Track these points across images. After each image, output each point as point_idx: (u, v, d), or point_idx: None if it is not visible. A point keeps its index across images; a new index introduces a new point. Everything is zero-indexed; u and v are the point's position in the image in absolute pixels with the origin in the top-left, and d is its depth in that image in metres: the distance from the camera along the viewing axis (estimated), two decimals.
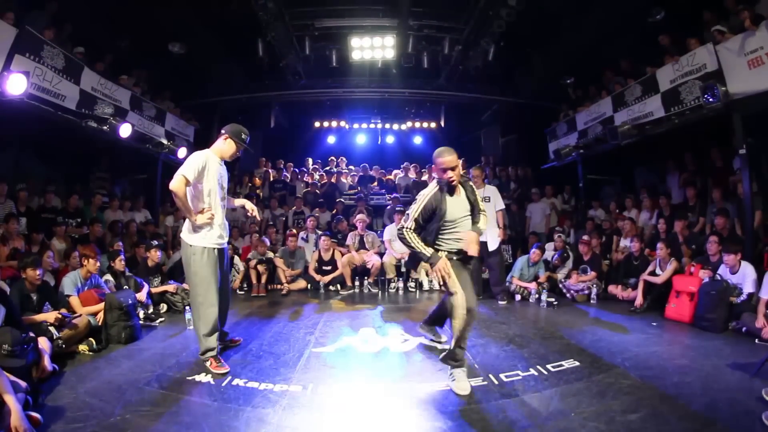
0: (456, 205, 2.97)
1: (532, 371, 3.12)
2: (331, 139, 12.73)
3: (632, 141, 6.46)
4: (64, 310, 3.68)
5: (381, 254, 6.81)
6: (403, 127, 12.25)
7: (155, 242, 5.75)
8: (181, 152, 7.42)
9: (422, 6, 7.05)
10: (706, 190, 6.11)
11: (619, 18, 6.60)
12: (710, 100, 4.90)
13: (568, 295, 5.84)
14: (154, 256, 5.34)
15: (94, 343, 3.58)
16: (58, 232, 5.58)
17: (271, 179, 9.99)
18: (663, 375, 3.01)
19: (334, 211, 8.43)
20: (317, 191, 9.64)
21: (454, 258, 2.95)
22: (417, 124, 12.19)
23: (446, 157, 2.87)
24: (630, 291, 5.46)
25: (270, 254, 6.54)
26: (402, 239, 2.96)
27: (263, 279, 6.31)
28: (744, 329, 3.95)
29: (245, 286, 6.43)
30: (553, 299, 5.39)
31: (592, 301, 5.59)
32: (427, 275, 6.63)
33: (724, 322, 4.14)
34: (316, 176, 10.70)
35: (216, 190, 3.23)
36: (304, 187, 9.79)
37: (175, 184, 2.99)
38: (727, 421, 2.34)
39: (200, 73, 8.65)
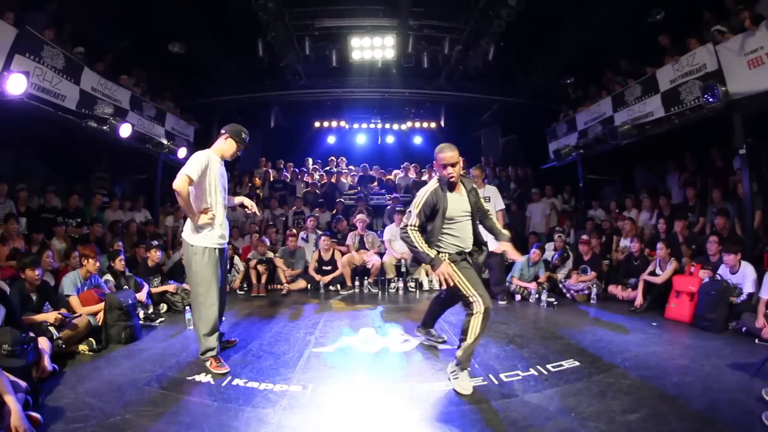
0: (456, 203, 2.94)
1: (532, 371, 3.12)
2: (331, 139, 12.73)
3: (632, 141, 6.46)
4: (64, 310, 3.68)
5: (381, 254, 6.81)
6: (403, 127, 12.25)
7: (155, 242, 5.74)
8: (181, 152, 7.43)
9: (422, 6, 7.05)
10: (706, 190, 6.11)
11: (619, 18, 6.60)
12: (710, 100, 4.90)
13: (568, 295, 5.84)
14: (154, 256, 5.34)
15: (94, 343, 3.58)
16: (58, 232, 5.58)
17: (271, 179, 9.99)
18: (663, 375, 3.01)
19: (334, 211, 8.43)
20: (317, 191, 9.64)
21: (459, 259, 2.93)
22: (417, 124, 12.18)
23: (447, 153, 2.85)
24: (630, 291, 5.46)
25: (270, 254, 6.54)
26: (405, 239, 2.92)
27: (263, 279, 6.31)
28: (744, 329, 3.95)
29: (245, 286, 6.42)
30: (553, 299, 5.39)
31: (592, 301, 5.59)
32: (427, 275, 6.63)
33: (724, 322, 4.14)
34: (316, 176, 10.70)
35: (218, 190, 3.24)
36: (304, 187, 9.79)
37: (179, 183, 2.99)
38: (727, 421, 2.35)
39: (200, 73, 8.65)
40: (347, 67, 8.47)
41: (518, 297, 5.82)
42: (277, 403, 2.65)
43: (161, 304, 4.95)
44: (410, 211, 2.95)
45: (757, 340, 3.74)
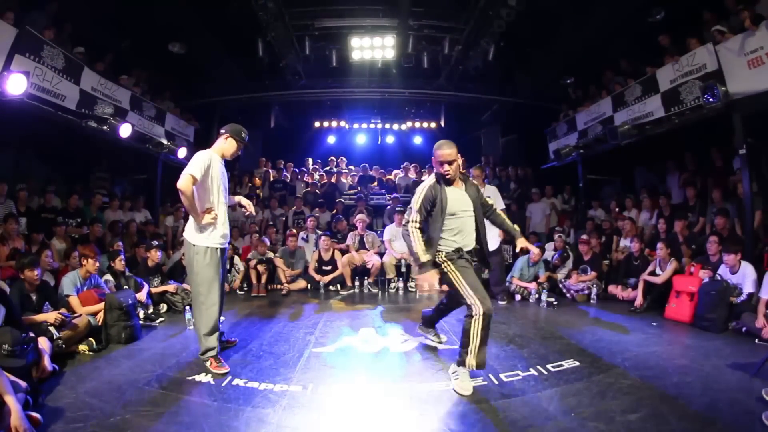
0: (456, 198, 2.91)
1: (532, 371, 3.12)
2: (331, 139, 12.73)
3: (632, 141, 6.46)
4: (64, 310, 3.68)
5: (381, 254, 6.81)
6: (403, 127, 12.25)
7: (155, 242, 5.74)
8: (181, 152, 7.43)
9: (422, 6, 7.05)
10: (706, 190, 6.11)
11: (619, 18, 6.60)
12: (710, 100, 4.90)
13: (568, 295, 5.84)
14: (154, 256, 5.34)
15: (94, 343, 3.58)
16: (58, 232, 5.58)
17: (271, 179, 9.99)
18: (663, 375, 3.01)
19: (334, 211, 8.43)
20: (317, 191, 9.64)
21: (456, 257, 2.89)
22: (417, 124, 12.18)
23: (445, 150, 2.83)
24: (630, 291, 5.46)
25: (270, 254, 6.54)
26: (406, 236, 2.92)
27: (263, 279, 6.31)
28: (744, 329, 3.95)
29: (245, 286, 6.42)
30: (553, 299, 5.39)
31: (592, 301, 5.59)
32: None
33: (724, 322, 4.14)
34: (316, 176, 10.70)
35: (220, 189, 3.26)
36: (304, 187, 9.79)
37: (183, 183, 3.00)
38: (727, 421, 2.35)
39: (200, 73, 8.66)
40: (347, 67, 8.47)
41: (518, 297, 5.82)
42: (277, 403, 2.65)
43: (161, 304, 4.95)
44: (411, 208, 2.95)
45: (757, 340, 3.74)
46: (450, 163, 2.83)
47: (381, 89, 9.56)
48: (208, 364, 3.13)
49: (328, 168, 11.10)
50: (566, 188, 8.75)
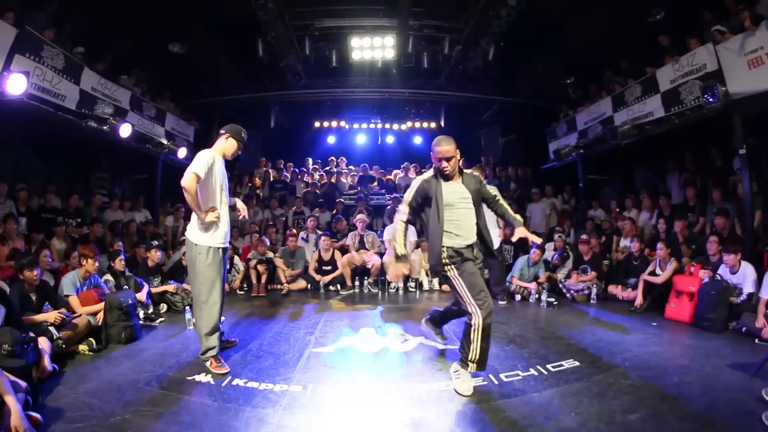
0: (452, 191, 2.87)
1: (532, 371, 3.12)
2: (331, 139, 12.73)
3: (632, 141, 6.47)
4: (64, 310, 3.68)
5: (381, 254, 6.81)
6: (403, 127, 12.25)
7: (155, 242, 5.74)
8: (181, 152, 7.43)
9: (422, 6, 7.05)
10: (706, 190, 6.11)
11: (619, 18, 6.59)
12: (710, 100, 4.90)
13: (568, 295, 5.84)
14: (154, 256, 5.34)
15: (94, 343, 3.58)
16: (58, 232, 5.58)
17: (271, 179, 9.99)
18: (663, 375, 3.01)
19: (334, 211, 8.43)
20: (317, 191, 9.64)
21: (459, 261, 2.81)
22: (417, 124, 12.18)
23: (443, 146, 2.80)
24: (630, 291, 5.46)
25: (270, 254, 6.54)
26: (395, 212, 2.98)
27: (263, 279, 6.31)
28: (744, 329, 3.95)
29: (245, 286, 6.42)
30: (553, 299, 5.40)
31: (592, 301, 5.59)
32: (427, 275, 6.64)
33: (724, 322, 4.14)
34: (316, 176, 10.70)
35: (222, 189, 3.29)
36: (304, 187, 9.79)
37: (187, 180, 3.01)
38: (727, 421, 2.35)
39: (200, 73, 8.65)
40: (347, 67, 8.47)
41: (518, 297, 5.82)
42: (277, 403, 2.65)
43: (161, 304, 4.95)
44: (403, 198, 2.99)
45: (757, 340, 3.74)
46: (448, 159, 2.80)
47: (381, 89, 9.55)
48: (208, 364, 3.13)
49: (328, 168, 11.09)
50: (566, 188, 8.75)
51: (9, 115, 4.90)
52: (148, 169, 7.83)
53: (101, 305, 3.86)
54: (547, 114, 9.16)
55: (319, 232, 7.11)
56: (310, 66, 8.41)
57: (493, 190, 3.00)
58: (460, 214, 2.88)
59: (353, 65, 8.40)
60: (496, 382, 2.94)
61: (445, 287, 6.26)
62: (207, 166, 3.11)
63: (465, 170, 3.00)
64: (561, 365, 3.22)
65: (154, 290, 4.96)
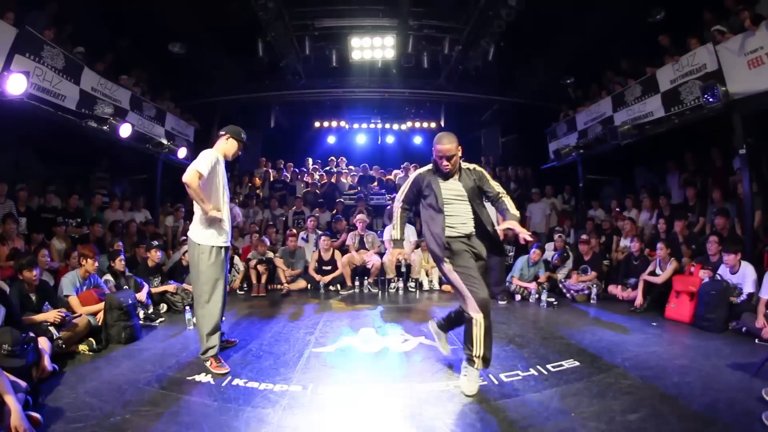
0: (447, 188, 2.85)
1: (532, 371, 3.12)
2: (331, 139, 12.73)
3: (632, 141, 6.46)
4: (63, 310, 3.67)
5: (381, 254, 6.81)
6: (403, 127, 12.25)
7: (155, 242, 5.75)
8: (181, 152, 7.43)
9: (422, 6, 7.06)
10: (706, 190, 6.12)
11: (619, 18, 6.59)
12: (710, 100, 4.90)
13: (568, 295, 5.84)
14: (154, 256, 5.34)
15: (94, 343, 3.58)
16: (58, 232, 5.58)
17: (271, 179, 9.99)
18: (663, 375, 3.01)
19: (334, 211, 8.43)
20: (317, 191, 9.63)
21: (455, 257, 2.81)
22: (417, 124, 12.18)
23: (444, 145, 2.75)
24: (630, 291, 5.46)
25: (270, 254, 6.53)
26: (392, 214, 2.97)
27: (263, 279, 6.31)
28: (744, 329, 3.95)
29: (245, 286, 6.42)
30: (553, 299, 5.39)
31: (592, 301, 5.59)
32: (427, 275, 6.64)
33: (724, 322, 4.14)
34: (316, 176, 10.69)
35: (224, 189, 3.31)
36: (304, 187, 9.78)
37: (189, 177, 3.03)
38: (727, 421, 2.35)
39: (200, 73, 8.65)
40: (347, 67, 8.47)
41: (518, 297, 5.82)
42: (277, 403, 2.65)
43: (161, 304, 4.95)
44: (400, 191, 3.03)
45: (757, 340, 3.74)
46: (449, 158, 2.77)
47: (381, 89, 9.56)
48: (208, 364, 3.13)
49: (328, 168, 11.09)
50: (566, 188, 8.75)
51: (9, 115, 4.90)
52: (148, 169, 7.84)
53: (101, 305, 3.86)
54: (547, 114, 9.16)
55: (319, 232, 7.11)
56: (310, 66, 8.41)
57: (497, 186, 2.92)
58: (454, 209, 2.86)
59: (353, 65, 8.41)
60: (496, 382, 2.94)
61: (445, 287, 6.26)
62: (211, 164, 3.13)
63: (464, 165, 2.93)
64: (561, 365, 3.22)
65: (154, 290, 4.96)
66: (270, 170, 10.27)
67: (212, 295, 3.19)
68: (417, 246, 6.69)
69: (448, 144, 2.76)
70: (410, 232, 6.73)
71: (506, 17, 6.29)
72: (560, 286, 5.96)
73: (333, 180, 10.18)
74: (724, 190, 5.72)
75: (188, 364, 3.28)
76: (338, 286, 6.53)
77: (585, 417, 2.41)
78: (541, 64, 8.31)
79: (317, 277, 6.54)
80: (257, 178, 10.03)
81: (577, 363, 3.26)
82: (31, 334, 2.97)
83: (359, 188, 9.71)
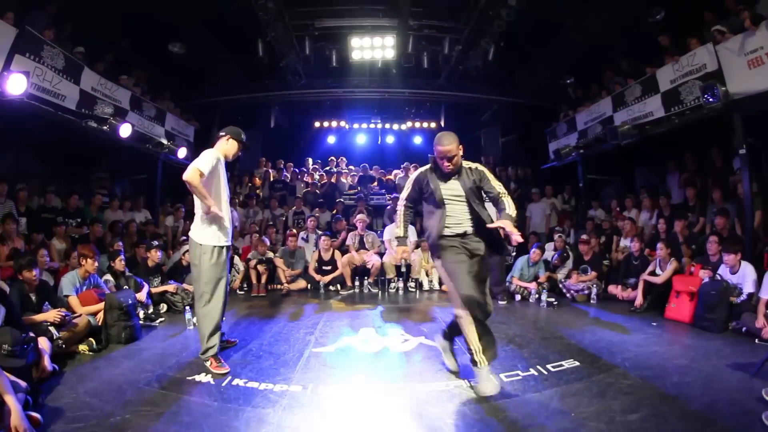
0: (446, 187, 2.86)
1: (532, 371, 3.12)
2: (331, 139, 12.73)
3: (632, 141, 6.46)
4: (63, 310, 3.67)
5: (381, 254, 6.81)
6: (403, 127, 12.25)
7: (155, 242, 5.75)
8: (181, 152, 7.43)
9: (422, 6, 7.05)
10: (706, 190, 6.11)
11: (619, 18, 6.60)
12: (710, 100, 4.90)
13: (568, 295, 5.84)
14: (154, 256, 5.34)
15: (94, 343, 3.58)
16: (58, 232, 5.58)
17: (271, 179, 9.99)
18: (663, 375, 3.01)
19: (334, 211, 8.43)
20: (317, 191, 9.63)
21: (445, 252, 2.82)
22: (417, 124, 12.18)
23: (444, 146, 2.73)
24: (630, 291, 5.46)
25: (270, 254, 6.54)
26: (395, 213, 3.02)
27: (263, 279, 6.31)
28: (744, 329, 3.95)
29: (245, 286, 6.43)
30: (553, 299, 5.40)
31: (592, 301, 5.59)
32: (427, 275, 6.64)
33: (724, 322, 4.14)
34: (316, 176, 10.69)
35: (225, 189, 3.32)
36: (304, 187, 9.78)
37: (190, 174, 3.03)
38: (727, 421, 2.34)
39: (200, 73, 8.66)
40: (347, 67, 8.47)
41: (518, 297, 5.82)
42: (277, 403, 2.65)
43: (161, 304, 4.95)
44: (403, 190, 3.07)
45: (757, 340, 3.74)
46: (450, 159, 2.75)
47: (381, 89, 9.56)
48: (208, 364, 3.13)
49: (328, 168, 11.09)
50: (566, 188, 8.74)
51: (9, 115, 4.90)
52: (148, 169, 7.83)
53: (101, 305, 3.86)
54: (547, 114, 9.15)
55: (319, 232, 7.11)
56: (310, 66, 8.41)
57: (498, 186, 2.86)
58: (451, 209, 2.86)
59: (353, 65, 8.41)
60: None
61: (445, 287, 6.26)
62: (212, 164, 3.15)
63: (465, 164, 2.90)
64: (561, 365, 3.22)
65: (154, 290, 4.96)
66: (270, 170, 10.27)
67: (214, 295, 3.20)
68: (417, 246, 6.69)
69: (448, 144, 2.74)
70: (410, 232, 6.74)
71: (506, 17, 6.29)
72: (560, 286, 5.96)
73: (333, 180, 10.18)
74: (724, 190, 5.72)
75: (188, 364, 3.28)
76: (338, 286, 6.53)
77: (585, 417, 2.41)
78: (541, 64, 8.31)
79: (317, 277, 6.54)
80: (257, 178, 10.02)
81: (577, 363, 3.26)
82: (31, 334, 2.97)
83: (359, 188, 9.71)
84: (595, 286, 5.68)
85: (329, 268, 6.61)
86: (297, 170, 10.64)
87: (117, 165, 8.00)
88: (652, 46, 6.29)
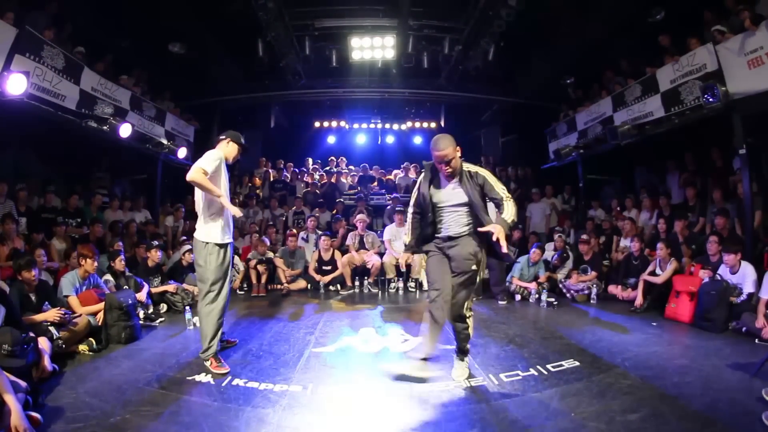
0: (445, 192, 2.83)
1: (532, 371, 3.12)
2: (331, 139, 12.73)
3: (632, 141, 6.46)
4: (63, 309, 3.67)
5: (381, 254, 6.81)
6: (403, 127, 12.24)
7: (155, 242, 5.75)
8: (181, 152, 7.43)
9: (422, 6, 7.05)
10: (706, 190, 6.11)
11: (619, 18, 6.60)
12: (710, 100, 4.90)
13: (568, 295, 5.84)
14: (154, 256, 5.34)
15: (94, 343, 3.59)
16: (58, 232, 5.58)
17: (271, 179, 9.99)
18: (663, 375, 3.01)
19: (334, 211, 8.43)
20: (317, 191, 9.64)
21: (435, 247, 2.90)
22: (417, 124, 12.18)
23: (441, 150, 2.68)
24: (630, 291, 5.46)
25: (270, 254, 6.54)
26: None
27: (263, 279, 6.31)
28: (744, 329, 3.95)
29: (245, 286, 6.43)
30: (553, 299, 5.40)
31: (592, 301, 5.59)
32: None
33: (724, 322, 4.14)
34: (316, 176, 10.70)
35: (227, 190, 3.35)
36: (304, 187, 9.79)
37: (194, 174, 3.05)
38: (727, 421, 2.35)
39: (200, 73, 8.64)
40: (347, 67, 8.47)
41: (518, 297, 5.82)
42: (277, 403, 2.65)
43: (161, 304, 4.95)
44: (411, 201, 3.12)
45: (757, 340, 3.74)
46: (448, 162, 2.70)
47: (381, 89, 9.55)
48: (208, 363, 3.13)
49: (328, 168, 11.09)
50: (566, 188, 8.74)
51: (9, 115, 4.89)
52: (148, 169, 7.83)
53: (101, 305, 3.86)
54: (547, 114, 9.15)
55: (319, 232, 7.11)
56: (310, 66, 8.41)
57: (501, 191, 2.78)
58: (448, 215, 2.85)
59: (353, 65, 8.40)
60: (496, 382, 2.94)
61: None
62: (215, 164, 3.17)
63: (466, 168, 2.83)
64: (561, 365, 3.22)
65: (154, 290, 4.96)
66: (270, 170, 10.27)
67: (219, 294, 3.23)
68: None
69: (444, 148, 2.68)
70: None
71: (506, 17, 6.28)
72: (560, 286, 5.96)
73: (333, 180, 10.18)
74: (724, 190, 5.72)
75: (188, 364, 3.28)
76: (338, 286, 6.53)
77: (585, 417, 2.41)
78: (541, 64, 8.30)
79: (317, 277, 6.54)
80: (257, 178, 10.03)
81: (577, 363, 3.26)
82: (31, 334, 2.97)
83: (359, 188, 9.71)
84: (595, 286, 5.67)
85: (329, 268, 6.61)
86: (297, 170, 10.64)
87: (117, 165, 8.00)
88: (652, 46, 6.29)
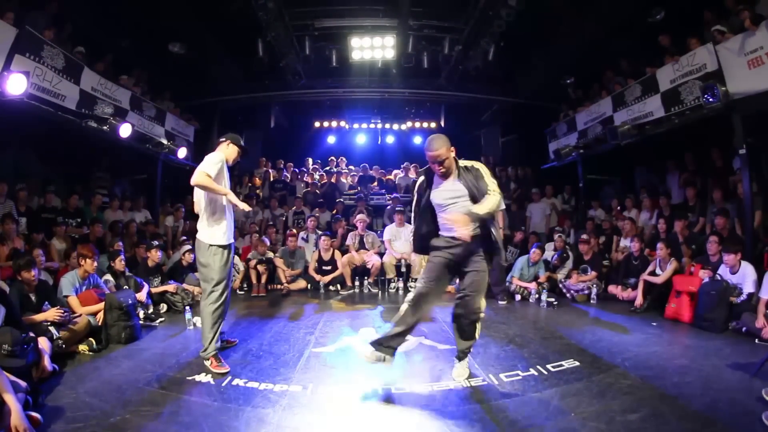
0: (444, 190, 2.82)
1: (532, 371, 3.12)
2: (331, 139, 12.73)
3: (632, 141, 6.46)
4: (63, 308, 3.67)
5: (381, 254, 6.81)
6: (403, 127, 12.24)
7: (155, 242, 5.74)
8: (181, 152, 7.43)
9: (422, 6, 7.05)
10: (706, 190, 6.11)
11: (619, 18, 6.60)
12: (710, 100, 4.90)
13: (568, 295, 5.84)
14: (154, 256, 5.34)
15: (94, 343, 3.59)
16: (58, 232, 5.58)
17: (271, 179, 9.99)
18: (663, 375, 3.01)
19: (334, 211, 8.43)
20: (317, 191, 9.64)
21: (441, 249, 2.88)
22: (417, 124, 12.17)
23: (433, 150, 2.70)
24: (630, 291, 5.46)
25: (270, 254, 6.54)
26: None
27: (263, 279, 6.31)
28: (744, 329, 3.95)
29: (245, 286, 6.43)
30: (553, 299, 5.40)
31: (592, 301, 5.59)
32: None
33: (724, 322, 4.14)
34: (316, 176, 10.70)
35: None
36: (304, 187, 9.79)
37: (197, 179, 3.08)
38: (727, 421, 2.35)
39: (200, 73, 8.64)
40: (347, 67, 8.47)
41: (518, 297, 5.82)
42: (277, 403, 2.65)
43: (161, 304, 4.95)
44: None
45: (757, 340, 3.74)
46: (441, 162, 2.73)
47: (381, 89, 9.55)
48: (208, 363, 3.13)
49: (328, 168, 11.09)
50: (566, 188, 8.75)
51: (9, 115, 4.89)
52: (148, 169, 7.83)
53: (101, 305, 3.86)
54: (547, 114, 9.16)
55: (319, 232, 7.11)
56: (310, 66, 8.41)
57: (491, 184, 2.74)
58: (446, 214, 2.80)
59: (353, 65, 8.40)
60: (496, 382, 2.94)
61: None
62: (218, 167, 3.20)
63: (462, 163, 2.83)
64: (561, 365, 3.22)
65: (154, 290, 4.96)
66: (270, 170, 10.27)
67: (222, 295, 3.25)
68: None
69: (437, 149, 2.70)
70: (409, 232, 6.74)
71: (506, 17, 6.28)
72: (560, 286, 5.96)
73: (333, 180, 10.18)
74: (724, 190, 5.72)
75: (188, 364, 3.28)
76: (338, 286, 6.53)
77: (585, 417, 2.41)
78: (541, 64, 8.31)
79: (317, 277, 6.54)
80: (257, 178, 10.03)
81: (577, 363, 3.26)
82: (31, 334, 2.97)
83: (359, 188, 9.72)
84: (595, 286, 5.67)
85: (329, 268, 6.61)
86: (297, 170, 10.65)
87: (117, 165, 8.00)
88: (652, 46, 6.29)
